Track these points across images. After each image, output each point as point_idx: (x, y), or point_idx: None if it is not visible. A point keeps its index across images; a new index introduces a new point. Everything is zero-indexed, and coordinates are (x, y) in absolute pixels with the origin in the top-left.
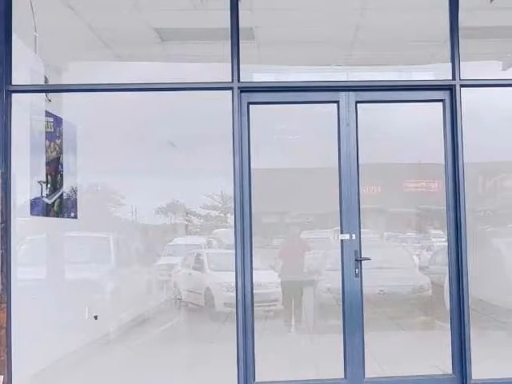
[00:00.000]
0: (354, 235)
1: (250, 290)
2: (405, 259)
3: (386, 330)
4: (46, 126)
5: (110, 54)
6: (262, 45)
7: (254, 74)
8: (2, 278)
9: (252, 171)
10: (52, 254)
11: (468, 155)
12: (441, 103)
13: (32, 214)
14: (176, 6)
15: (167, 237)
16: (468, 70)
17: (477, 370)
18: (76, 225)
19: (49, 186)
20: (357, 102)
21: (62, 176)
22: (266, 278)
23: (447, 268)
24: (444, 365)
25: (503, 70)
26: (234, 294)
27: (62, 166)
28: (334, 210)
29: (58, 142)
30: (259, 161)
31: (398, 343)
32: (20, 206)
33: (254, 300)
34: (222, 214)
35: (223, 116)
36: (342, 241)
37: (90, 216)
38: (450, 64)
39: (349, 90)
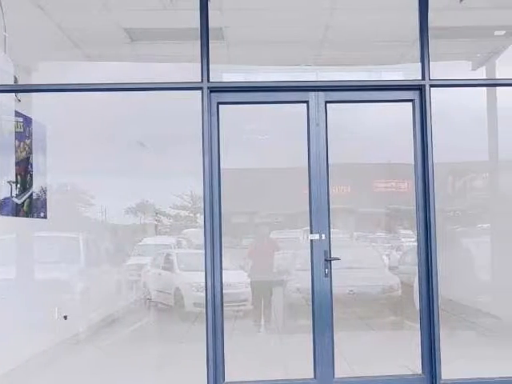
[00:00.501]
0: (323, 235)
1: (219, 289)
2: (374, 259)
3: (355, 329)
4: (16, 126)
5: (80, 54)
6: (231, 45)
7: (223, 74)
8: None
9: (222, 171)
10: (21, 254)
11: (437, 155)
12: (410, 103)
13: (1, 214)
14: (146, 6)
15: (137, 237)
16: (438, 70)
17: (446, 370)
18: (46, 225)
19: (18, 186)
20: (326, 102)
21: (31, 176)
22: (235, 277)
23: (417, 268)
24: (414, 365)
25: (473, 70)
26: (204, 294)
27: (31, 166)
28: (303, 209)
29: (27, 142)
30: (229, 161)
31: (368, 343)
32: None
33: (224, 300)
34: (191, 214)
35: (193, 116)
36: (311, 241)
37: (60, 216)
38: (419, 64)
39: (318, 90)
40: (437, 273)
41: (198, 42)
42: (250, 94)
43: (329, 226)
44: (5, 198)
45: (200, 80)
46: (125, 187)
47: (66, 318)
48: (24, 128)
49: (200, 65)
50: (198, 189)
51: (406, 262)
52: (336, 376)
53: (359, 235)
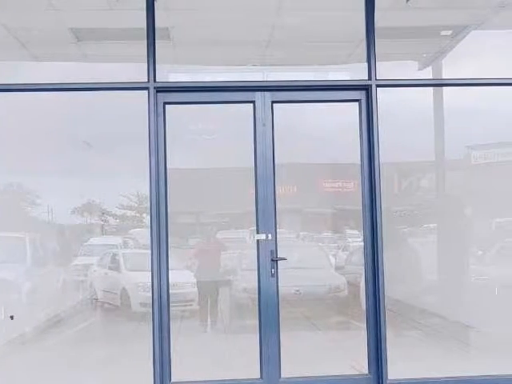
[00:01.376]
0: (270, 235)
1: (165, 289)
2: (321, 259)
3: (302, 329)
4: None
5: (27, 54)
6: (178, 45)
7: (170, 74)
8: None
9: (168, 171)
10: None
11: (384, 155)
12: (357, 103)
13: None
14: (92, 6)
15: (83, 237)
16: (384, 70)
17: (393, 370)
18: None
19: None
20: (273, 102)
21: None
22: (181, 277)
23: (363, 268)
24: (360, 365)
25: (419, 69)
26: (150, 294)
27: None
28: (250, 209)
29: None
30: (175, 161)
31: (315, 343)
32: None
33: (170, 300)
34: (138, 214)
35: (139, 116)
36: (258, 241)
37: (6, 216)
38: (366, 64)
39: (265, 90)
40: (383, 273)
41: (145, 42)
42: (196, 93)
43: (275, 226)
44: None
45: (146, 80)
46: (71, 187)
47: (12, 318)
48: None
49: (146, 65)
50: (145, 189)
51: (353, 262)
52: (282, 376)
53: (306, 235)
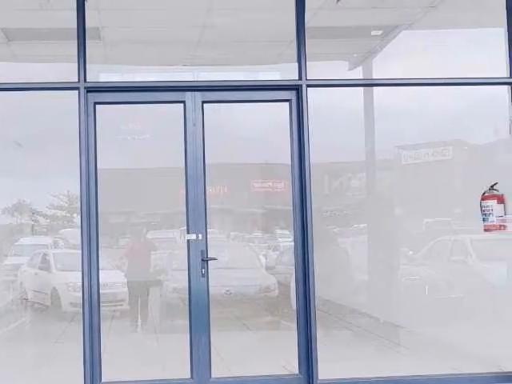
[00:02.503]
0: (200, 235)
1: (96, 289)
2: (251, 259)
3: (232, 330)
4: None
5: None
6: (108, 45)
7: (100, 74)
8: None
9: (99, 171)
10: None
11: (315, 155)
12: (287, 103)
13: None
14: (22, 6)
15: (13, 237)
16: (315, 70)
17: (323, 370)
18: None
19: None
20: (203, 102)
21: None
22: (112, 277)
23: (293, 268)
24: (290, 365)
25: (349, 70)
26: (81, 294)
27: None
28: (180, 210)
29: None
30: (106, 161)
31: (245, 343)
32: None
33: (101, 300)
34: (68, 214)
35: (70, 116)
36: (188, 241)
37: None
38: (296, 64)
39: (195, 90)
40: (314, 273)
41: (75, 42)
42: (126, 94)
43: (206, 226)
44: None
45: (77, 80)
46: (1, 187)
47: None
48: None
49: (77, 65)
50: (75, 189)
51: (283, 262)
52: (213, 376)
53: (236, 235)
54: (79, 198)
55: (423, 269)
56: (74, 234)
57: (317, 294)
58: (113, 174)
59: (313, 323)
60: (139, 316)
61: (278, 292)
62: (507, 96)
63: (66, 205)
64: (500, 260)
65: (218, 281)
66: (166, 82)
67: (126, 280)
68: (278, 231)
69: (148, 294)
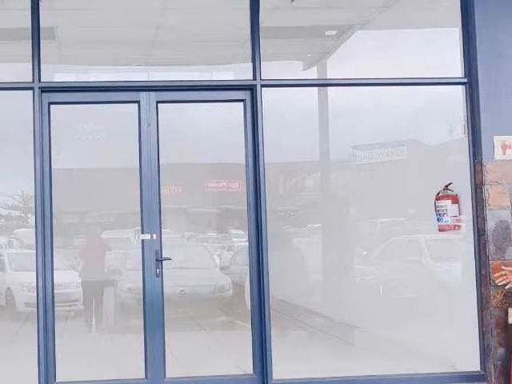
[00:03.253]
0: (154, 235)
1: (50, 289)
2: (206, 259)
3: (187, 330)
4: None
5: None
6: (63, 45)
7: (55, 74)
8: None
9: (53, 171)
10: None
11: (269, 155)
12: (242, 103)
13: None
14: None
15: None
16: (269, 70)
17: (278, 370)
18: None
19: None
20: (158, 102)
21: None
22: (66, 277)
23: (248, 268)
24: (245, 365)
25: (304, 69)
26: (35, 294)
27: None
28: (135, 209)
29: None
30: (60, 161)
31: (199, 343)
32: None
33: (55, 300)
34: (22, 214)
35: (24, 116)
36: (142, 241)
37: None
38: (251, 64)
39: (149, 90)
40: (268, 273)
41: (29, 42)
42: (81, 93)
43: (160, 226)
44: None
45: (31, 80)
46: None
47: None
48: None
49: (31, 65)
50: (30, 189)
51: (238, 262)
52: (167, 376)
53: (191, 235)
54: (34, 198)
55: (377, 269)
56: (28, 234)
57: (271, 294)
58: (67, 173)
59: (267, 323)
60: (94, 316)
61: (232, 292)
62: (462, 96)
63: (21, 205)
64: (454, 260)
65: (173, 281)
66: (120, 82)
67: (80, 280)
68: (233, 231)
69: (103, 294)
